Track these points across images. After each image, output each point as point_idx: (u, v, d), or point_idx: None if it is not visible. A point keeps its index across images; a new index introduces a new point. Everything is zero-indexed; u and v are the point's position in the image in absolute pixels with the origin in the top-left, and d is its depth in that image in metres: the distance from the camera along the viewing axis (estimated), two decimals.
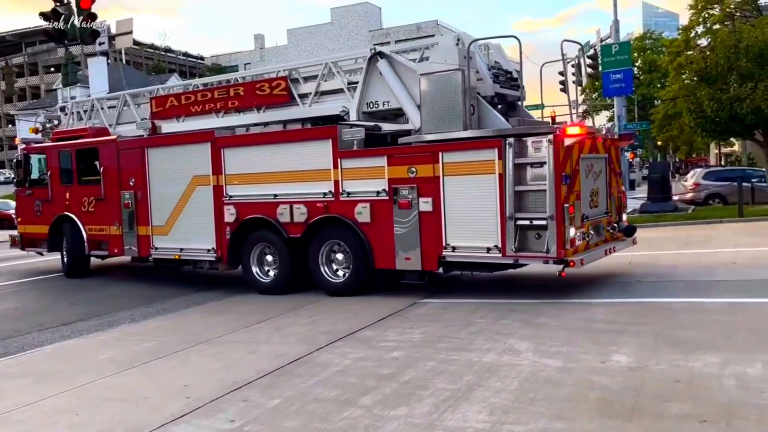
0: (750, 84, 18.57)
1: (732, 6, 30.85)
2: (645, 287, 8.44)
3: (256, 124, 10.46)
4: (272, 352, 6.51)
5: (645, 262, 10.19)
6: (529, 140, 7.87)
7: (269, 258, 9.99)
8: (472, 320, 7.21)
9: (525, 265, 8.34)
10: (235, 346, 6.91)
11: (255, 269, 10.07)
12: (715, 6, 30.65)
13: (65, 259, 12.88)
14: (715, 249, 11.79)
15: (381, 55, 9.37)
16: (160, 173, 10.96)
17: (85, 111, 13.43)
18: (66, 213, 12.52)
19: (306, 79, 10.19)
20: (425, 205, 8.44)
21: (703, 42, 27.69)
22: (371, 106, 9.44)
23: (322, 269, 9.43)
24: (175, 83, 13.43)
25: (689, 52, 27.98)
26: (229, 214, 10.12)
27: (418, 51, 9.43)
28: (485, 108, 8.64)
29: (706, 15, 30.86)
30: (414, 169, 8.52)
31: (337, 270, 9.42)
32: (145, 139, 11.39)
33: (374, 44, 10.05)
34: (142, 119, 11.83)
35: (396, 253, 8.70)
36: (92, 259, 12.81)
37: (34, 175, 13.68)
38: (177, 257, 10.85)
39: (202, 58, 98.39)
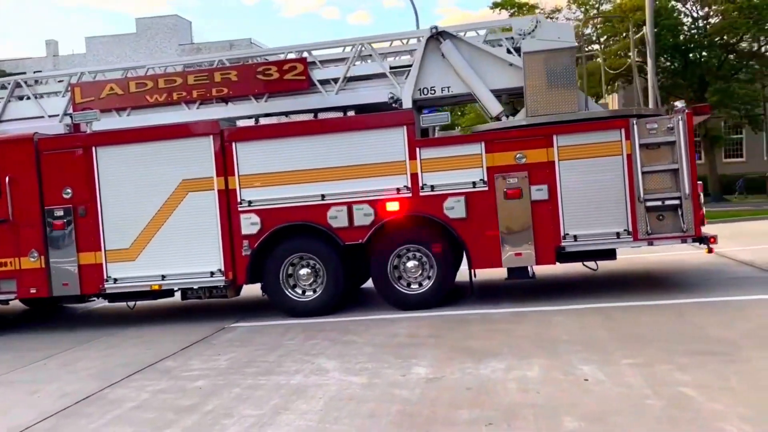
0: None
1: None
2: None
3: (251, 116, 8.74)
4: (58, 390, 5.90)
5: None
6: (659, 119, 7.73)
7: (304, 272, 8.37)
8: (281, 342, 7.15)
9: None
10: (14, 387, 6.15)
11: (287, 289, 8.43)
12: None
13: None
14: None
15: (443, 35, 8.43)
16: (120, 180, 8.54)
17: None
18: None
19: (323, 63, 8.84)
20: (539, 193, 7.79)
21: None
22: (425, 92, 8.48)
23: (392, 280, 8.23)
24: (101, 68, 10.34)
25: None
26: (250, 224, 8.27)
27: (482, 32, 8.62)
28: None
29: None
30: (523, 155, 7.86)
31: (399, 278, 8.24)
32: (93, 135, 8.70)
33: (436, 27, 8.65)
34: (52, 115, 9.21)
35: (502, 249, 7.88)
36: None
37: None
38: (156, 288, 8.51)
39: None
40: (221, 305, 9.85)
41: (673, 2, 28.47)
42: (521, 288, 8.40)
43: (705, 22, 28.66)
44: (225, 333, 7.96)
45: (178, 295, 8.96)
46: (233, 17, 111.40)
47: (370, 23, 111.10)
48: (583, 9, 29.78)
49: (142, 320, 9.38)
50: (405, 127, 8.07)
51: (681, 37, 28.27)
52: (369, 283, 8.63)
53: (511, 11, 29.03)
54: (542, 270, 8.48)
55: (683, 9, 29.19)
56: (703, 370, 5.00)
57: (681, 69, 28.69)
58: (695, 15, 29.10)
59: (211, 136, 8.36)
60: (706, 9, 28.29)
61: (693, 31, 28.93)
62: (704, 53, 28.72)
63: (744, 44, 28.76)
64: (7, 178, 8.65)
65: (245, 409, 4.98)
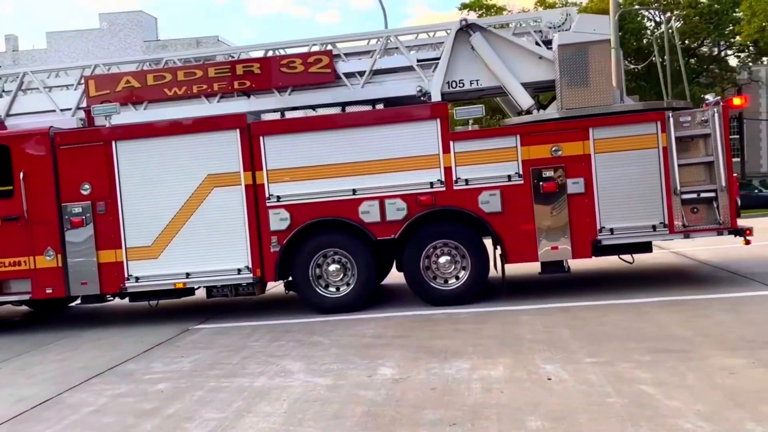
0: None
1: None
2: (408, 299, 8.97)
3: (275, 110, 8.66)
4: (14, 395, 5.74)
5: None
6: (693, 112, 7.77)
7: (333, 268, 8.23)
8: (246, 344, 7.07)
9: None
10: None
11: (318, 286, 8.28)
12: None
13: None
14: None
15: (473, 27, 8.40)
16: (142, 175, 8.27)
17: None
18: None
19: (348, 55, 8.75)
20: (575, 186, 7.78)
21: None
22: (454, 85, 8.43)
23: (424, 275, 8.11)
24: (115, 60, 10.09)
25: None
26: (280, 220, 8.10)
27: (511, 26, 8.63)
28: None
29: None
30: (559, 148, 7.81)
31: (434, 277, 8.15)
32: (112, 129, 8.35)
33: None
34: (64, 108, 8.93)
35: (538, 243, 7.85)
36: None
37: None
38: (180, 286, 8.28)
39: None
40: (185, 306, 9.71)
41: (636, 6, 29.09)
42: (490, 287, 8.44)
43: (668, 26, 29.30)
44: (189, 335, 7.83)
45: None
46: (200, 14, 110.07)
47: (339, 22, 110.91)
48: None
49: (104, 322, 9.20)
50: (438, 120, 7.98)
51: (644, 41, 28.92)
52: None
53: (479, 12, 29.27)
54: (509, 270, 8.52)
55: (647, 14, 29.85)
56: (662, 367, 5.09)
57: (644, 72, 29.32)
58: (657, 20, 29.80)
59: (238, 130, 8.14)
60: (669, 14, 28.98)
61: (656, 35, 29.60)
62: (665, 57, 29.37)
63: (705, 48, 29.53)
64: (21, 174, 8.29)
65: (207, 413, 4.91)
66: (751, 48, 29.13)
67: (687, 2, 27.40)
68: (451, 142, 7.97)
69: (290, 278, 8.42)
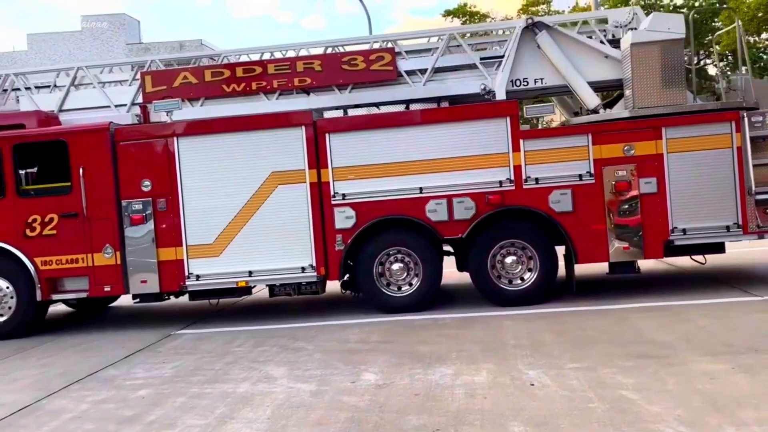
0: None
1: None
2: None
3: (337, 108, 8.61)
4: None
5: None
6: (765, 112, 7.75)
7: (397, 267, 8.15)
8: (229, 350, 7.03)
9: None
10: None
11: (381, 285, 8.18)
12: None
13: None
14: None
15: (538, 26, 8.40)
16: (204, 172, 8.15)
17: None
18: None
19: (409, 53, 8.79)
20: (647, 186, 7.73)
21: None
22: (518, 83, 8.47)
23: (491, 275, 8.04)
24: (171, 56, 9.83)
25: None
26: (345, 218, 8.03)
27: (575, 25, 8.63)
28: None
29: None
30: (631, 147, 7.78)
31: (499, 277, 8.07)
32: (174, 125, 8.25)
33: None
34: (118, 104, 8.90)
35: (610, 243, 7.80)
36: None
37: None
38: (242, 284, 8.20)
39: None
40: (167, 311, 9.64)
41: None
42: (472, 293, 8.46)
43: None
44: (171, 340, 7.77)
45: (128, 298, 8.71)
46: (184, 17, 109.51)
47: (324, 27, 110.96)
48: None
49: (85, 327, 9.09)
50: (508, 118, 7.93)
51: None
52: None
53: (463, 19, 29.43)
54: None
55: None
56: (643, 373, 5.14)
57: None
58: None
59: (304, 127, 8.08)
60: None
61: None
62: None
63: (684, 57, 29.86)
64: (80, 170, 8.17)
65: (189, 419, 4.87)
66: (729, 57, 29.58)
67: (668, 10, 27.71)
68: (521, 141, 7.91)
69: (347, 277, 8.33)
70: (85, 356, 7.20)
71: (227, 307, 9.70)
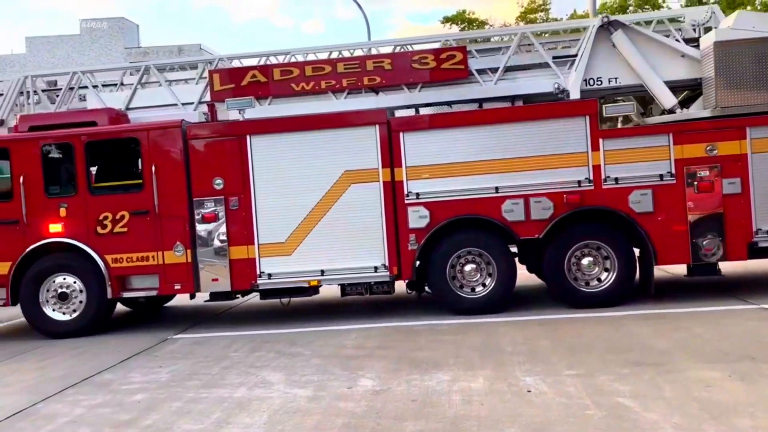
0: None
1: None
2: (389, 309, 8.99)
3: (408, 107, 8.59)
4: None
5: None
6: None
7: (469, 268, 8.02)
8: (226, 354, 7.01)
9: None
10: None
11: (454, 286, 8.05)
12: None
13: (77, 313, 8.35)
14: None
15: (614, 24, 8.27)
16: (276, 171, 8.08)
17: (43, 92, 9.40)
18: (60, 239, 8.25)
19: (480, 52, 8.75)
20: (731, 186, 7.61)
21: None
22: (591, 83, 8.34)
23: (568, 276, 7.89)
24: (238, 54, 9.69)
25: None
26: (419, 218, 7.94)
27: (649, 24, 8.51)
28: None
29: None
30: (714, 147, 7.65)
31: (575, 278, 7.93)
32: (247, 123, 8.20)
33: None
34: (185, 102, 8.87)
35: (690, 245, 7.67)
36: None
37: None
38: (314, 283, 8.14)
39: None
40: (164, 315, 9.62)
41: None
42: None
43: None
44: (167, 344, 7.75)
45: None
46: (183, 22, 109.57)
47: (323, 32, 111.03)
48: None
49: None
50: (588, 117, 7.83)
51: None
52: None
53: (462, 26, 29.53)
54: None
55: None
56: (640, 380, 5.15)
57: None
58: None
59: (377, 126, 8.01)
60: None
61: None
62: None
63: None
64: (152, 167, 8.13)
65: (185, 424, 4.86)
66: None
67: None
68: (600, 140, 7.81)
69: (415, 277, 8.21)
70: (82, 360, 7.18)
71: (224, 311, 9.69)
